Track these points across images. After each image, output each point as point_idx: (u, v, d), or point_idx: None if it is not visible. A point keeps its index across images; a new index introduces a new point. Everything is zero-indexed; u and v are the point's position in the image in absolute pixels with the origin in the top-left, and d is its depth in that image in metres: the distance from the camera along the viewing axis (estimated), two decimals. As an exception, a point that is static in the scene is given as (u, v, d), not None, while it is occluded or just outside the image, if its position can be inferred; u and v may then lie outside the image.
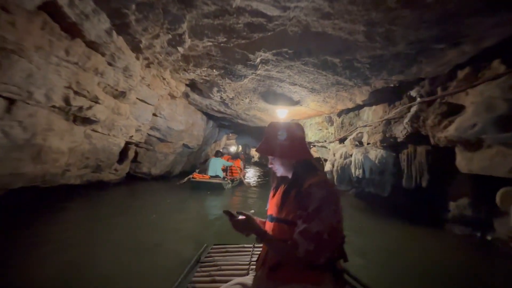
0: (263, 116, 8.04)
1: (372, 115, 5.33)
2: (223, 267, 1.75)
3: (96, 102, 4.66)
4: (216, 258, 1.91)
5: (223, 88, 6.22)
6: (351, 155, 5.37)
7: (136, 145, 8.09)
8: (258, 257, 1.18)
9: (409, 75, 3.79)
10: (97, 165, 5.95)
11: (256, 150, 1.18)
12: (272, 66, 4.43)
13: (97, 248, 3.10)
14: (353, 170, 5.19)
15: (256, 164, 24.74)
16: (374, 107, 5.34)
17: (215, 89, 6.44)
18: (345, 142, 5.75)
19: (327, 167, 5.75)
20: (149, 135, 7.99)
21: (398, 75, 3.87)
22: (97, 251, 3.02)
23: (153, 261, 2.79)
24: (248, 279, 1.13)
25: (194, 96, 7.60)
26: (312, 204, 0.94)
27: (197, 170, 9.20)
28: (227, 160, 9.50)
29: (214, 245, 2.20)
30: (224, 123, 11.62)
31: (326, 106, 5.93)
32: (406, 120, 4.27)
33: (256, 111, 7.70)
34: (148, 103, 6.34)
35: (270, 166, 1.17)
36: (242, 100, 6.80)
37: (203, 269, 1.74)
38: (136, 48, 4.17)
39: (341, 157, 5.50)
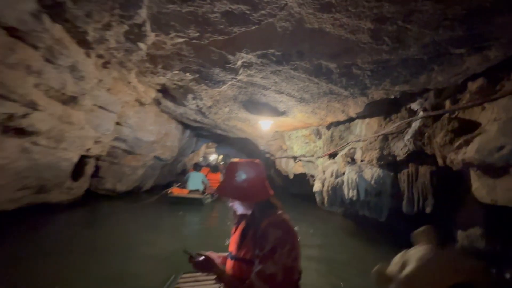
0: (245, 127, 7.33)
1: (366, 129, 4.80)
2: None
3: (34, 109, 3.69)
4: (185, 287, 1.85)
5: (199, 95, 5.44)
6: (343, 174, 4.77)
7: (97, 158, 7.01)
8: None
9: (415, 85, 3.27)
10: (41, 185, 4.86)
11: (216, 192, 1.26)
12: (256, 71, 3.75)
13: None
14: (346, 191, 4.58)
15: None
16: (367, 120, 4.82)
17: (190, 96, 5.64)
18: (335, 158, 5.17)
19: (317, 186, 5.12)
20: (113, 147, 6.96)
21: (402, 85, 3.33)
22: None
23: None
24: None
25: (167, 103, 6.73)
26: (268, 244, 0.96)
27: (175, 184, 8.80)
28: (207, 173, 9.21)
29: (184, 273, 2.10)
30: (202, 132, 10.76)
31: (314, 117, 5.34)
32: (407, 136, 3.74)
33: (237, 122, 6.97)
34: (109, 110, 5.40)
35: (230, 205, 1.18)
36: (221, 109, 6.05)
37: None
38: (83, 42, 3.32)
39: (332, 175, 4.89)
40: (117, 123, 6.16)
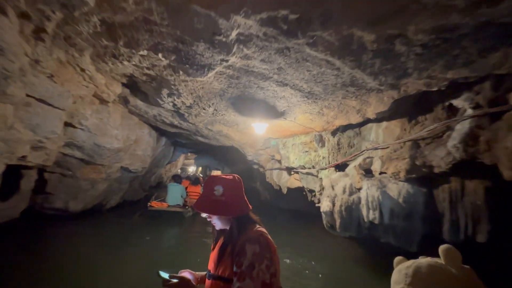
0: (231, 132, 6.23)
1: (384, 134, 3.91)
2: None
3: None
4: None
5: (177, 91, 4.30)
6: (359, 190, 3.80)
7: (43, 169, 5.53)
8: None
9: (478, 70, 2.41)
10: None
11: (193, 206, 1.14)
12: (256, 50, 2.73)
13: None
14: (364, 212, 3.60)
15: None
16: (385, 123, 3.94)
17: (165, 91, 4.48)
18: (347, 170, 4.21)
19: (325, 205, 4.09)
20: (64, 155, 5.52)
21: (459, 70, 2.46)
22: None
23: None
24: None
25: (136, 102, 5.49)
26: (245, 261, 0.94)
27: (153, 198, 8.22)
28: (187, 185, 8.72)
29: None
30: (180, 140, 9.47)
31: (319, 120, 4.40)
32: (453, 141, 2.86)
33: (222, 126, 5.87)
34: (53, 106, 4.08)
35: (208, 220, 1.14)
36: (204, 109, 4.93)
37: None
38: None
39: (344, 191, 3.90)
40: (68, 124, 4.79)
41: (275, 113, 4.26)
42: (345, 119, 4.10)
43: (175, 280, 1.02)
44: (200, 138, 7.57)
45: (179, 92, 4.36)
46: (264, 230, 1.07)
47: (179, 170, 26.93)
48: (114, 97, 5.15)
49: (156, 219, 7.09)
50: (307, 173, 5.54)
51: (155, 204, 7.38)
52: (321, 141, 4.97)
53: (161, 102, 5.07)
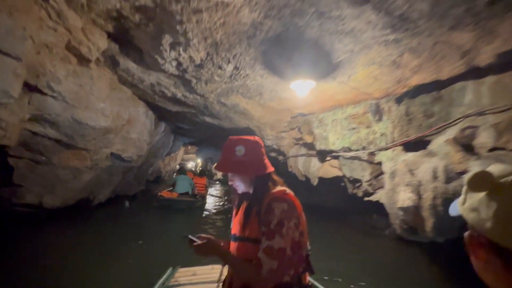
0: (251, 107, 4.94)
1: (491, 92, 2.65)
2: None
3: None
4: (182, 282, 1.79)
5: (184, 35, 2.99)
6: (460, 173, 2.53)
7: (5, 152, 4.24)
8: (225, 279, 1.12)
9: None
10: None
11: (215, 168, 1.16)
12: None
13: None
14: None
15: (219, 182, 21.11)
16: (491, 78, 2.68)
17: (166, 40, 3.17)
18: (431, 148, 2.93)
19: (405, 198, 2.83)
20: (33, 133, 4.21)
21: None
22: None
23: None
24: None
25: (128, 64, 4.17)
26: (274, 219, 0.92)
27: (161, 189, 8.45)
28: (193, 177, 8.66)
29: (181, 267, 2.06)
30: (182, 126, 8.14)
31: (386, 78, 3.13)
32: None
33: (240, 98, 4.58)
34: (-1, 50, 2.73)
35: (230, 183, 1.11)
36: (220, 67, 3.63)
37: None
38: None
39: (435, 178, 2.63)
40: (32, 88, 3.46)
41: (325, 66, 2.96)
42: (432, 72, 2.81)
43: (201, 241, 1.03)
44: (207, 119, 6.24)
45: (188, 38, 3.04)
46: (289, 190, 1.03)
47: (177, 166, 25.74)
48: (97, 54, 3.82)
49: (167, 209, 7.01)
50: (352, 157, 4.27)
51: (165, 194, 7.41)
52: (377, 112, 3.70)
53: (161, 62, 3.76)
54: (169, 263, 2.20)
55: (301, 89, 3.28)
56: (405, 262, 3.76)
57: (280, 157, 6.85)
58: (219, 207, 8.99)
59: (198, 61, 3.53)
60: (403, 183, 3.01)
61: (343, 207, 5.94)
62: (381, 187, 3.94)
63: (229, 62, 3.38)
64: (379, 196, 3.93)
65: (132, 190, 8.81)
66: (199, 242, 1.01)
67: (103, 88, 4.49)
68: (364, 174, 4.07)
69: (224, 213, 7.68)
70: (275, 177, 1.10)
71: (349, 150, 4.37)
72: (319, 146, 5.10)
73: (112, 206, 7.09)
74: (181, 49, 3.34)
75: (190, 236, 1.04)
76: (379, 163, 3.83)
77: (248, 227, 1.01)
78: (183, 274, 1.95)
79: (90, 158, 5.32)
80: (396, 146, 3.42)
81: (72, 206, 5.68)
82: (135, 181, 8.96)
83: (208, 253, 1.01)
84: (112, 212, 6.78)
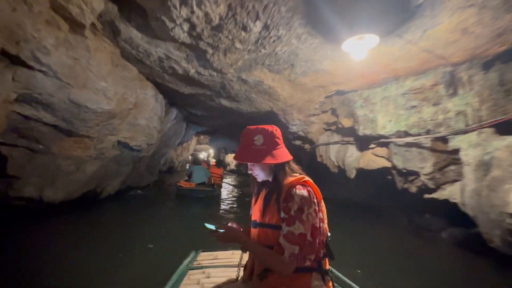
0: (278, 84, 4.14)
1: None
2: (211, 274, 1.70)
3: None
4: (204, 264, 1.86)
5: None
6: None
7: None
8: (246, 264, 1.17)
9: None
10: None
11: (234, 158, 1.16)
12: None
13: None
14: None
15: (233, 172, 20.58)
16: None
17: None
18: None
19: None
20: (25, 117, 3.63)
21: None
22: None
23: (139, 270, 2.73)
24: (238, 286, 1.12)
25: (131, 32, 3.45)
26: (294, 205, 0.95)
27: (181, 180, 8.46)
28: (208, 168, 8.80)
29: (202, 251, 2.12)
30: (195, 112, 7.44)
31: (485, 28, 2.28)
32: None
33: (266, 72, 3.80)
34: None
35: (250, 172, 1.14)
36: (244, 28, 2.84)
37: (191, 276, 1.68)
38: None
39: None
40: (14, 59, 2.81)
41: (395, 15, 2.10)
42: None
43: (221, 230, 1.05)
44: (224, 102, 5.49)
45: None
46: (307, 177, 1.05)
47: (190, 157, 25.44)
48: (92, 17, 3.11)
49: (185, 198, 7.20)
50: (409, 144, 3.41)
51: (183, 184, 7.59)
52: (452, 84, 2.81)
53: (169, 25, 3.00)
54: (190, 248, 2.20)
55: (357, 50, 2.45)
56: (473, 275, 2.96)
57: (306, 146, 6.05)
58: (235, 196, 8.95)
59: (216, 21, 2.75)
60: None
61: (376, 202, 5.12)
62: (448, 182, 3.12)
63: (257, 18, 2.57)
64: (450, 193, 3.11)
65: (144, 181, 8.31)
66: (220, 231, 1.04)
67: (104, 63, 3.80)
68: (424, 165, 3.25)
69: (240, 202, 7.80)
70: (294, 165, 1.10)
71: (406, 135, 3.52)
72: (363, 130, 4.24)
73: (123, 198, 6.58)
74: (194, 4, 2.56)
75: (209, 226, 1.06)
76: (453, 151, 2.97)
77: (268, 214, 1.03)
78: (205, 258, 2.00)
79: (94, 147, 4.73)
80: (486, 126, 2.54)
81: (78, 200, 5.16)
82: (147, 172, 8.44)
83: (230, 240, 1.04)
84: (123, 204, 6.27)
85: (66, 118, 3.89)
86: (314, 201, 0.97)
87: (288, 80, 3.84)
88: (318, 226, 0.96)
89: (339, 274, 1.55)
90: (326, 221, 1.04)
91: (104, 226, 4.66)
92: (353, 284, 1.45)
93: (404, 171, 3.76)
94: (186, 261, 1.89)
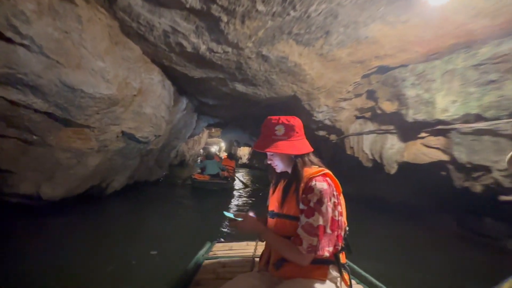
0: (306, 60, 3.46)
1: None
2: (227, 264, 1.72)
3: None
4: (219, 255, 1.88)
5: None
6: None
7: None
8: (262, 254, 1.17)
9: None
10: None
11: (254, 147, 1.14)
12: None
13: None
14: None
15: (245, 166, 20.08)
16: None
17: None
18: None
19: None
20: (12, 103, 3.14)
21: None
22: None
23: (155, 260, 2.76)
24: (253, 276, 1.10)
25: (130, -2, 2.84)
26: (313, 197, 0.94)
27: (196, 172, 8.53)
28: (219, 161, 8.85)
29: (217, 242, 2.16)
30: (206, 101, 6.87)
31: None
32: None
33: (292, 44, 3.15)
34: None
35: (269, 162, 1.13)
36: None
37: (207, 266, 1.70)
38: None
39: None
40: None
41: None
42: None
43: (240, 219, 1.06)
44: (239, 87, 4.85)
45: None
46: (328, 170, 1.04)
47: (201, 150, 25.17)
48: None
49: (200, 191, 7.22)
50: (479, 132, 2.68)
51: (198, 176, 7.59)
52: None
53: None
54: (205, 239, 2.20)
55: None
56: None
57: (332, 137, 5.33)
58: (248, 190, 8.86)
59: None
60: None
61: (416, 203, 4.39)
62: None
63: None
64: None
65: (154, 176, 7.88)
66: (239, 219, 1.05)
67: (100, 39, 3.25)
68: (499, 158, 2.53)
69: (254, 195, 7.80)
70: (314, 157, 1.09)
71: (477, 119, 2.78)
72: (413, 116, 3.47)
73: (131, 194, 6.15)
74: None
75: (226, 214, 1.07)
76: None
77: (286, 205, 1.03)
78: (221, 248, 2.02)
79: (95, 138, 4.24)
80: None
81: (81, 196, 4.73)
82: (156, 166, 8.00)
83: (249, 229, 1.04)
84: (131, 200, 5.84)
85: (60, 104, 3.38)
86: (334, 194, 0.97)
87: (319, 54, 3.17)
88: (337, 219, 0.96)
89: (357, 268, 1.54)
90: (345, 214, 1.05)
91: (112, 223, 4.24)
92: (371, 278, 1.43)
93: (468, 165, 3.02)
94: (201, 252, 1.91)
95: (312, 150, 1.09)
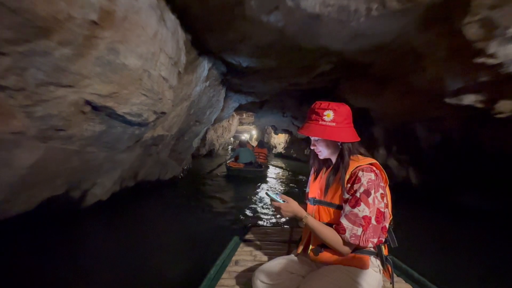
0: None
1: None
2: (263, 247, 1.75)
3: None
4: (256, 238, 1.92)
5: None
6: None
7: None
8: (301, 238, 1.18)
9: None
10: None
11: (299, 131, 1.12)
12: None
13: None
14: None
15: (281, 156, 17.67)
16: None
17: None
18: None
19: None
20: None
21: None
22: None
23: (195, 241, 2.85)
24: (290, 258, 1.13)
25: None
26: (360, 187, 0.92)
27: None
28: (252, 149, 8.91)
29: (253, 226, 2.20)
30: (237, 62, 4.54)
31: None
32: None
33: None
34: None
35: (312, 147, 1.11)
36: None
37: (244, 248, 1.74)
38: None
39: None
40: None
41: None
42: None
43: (282, 201, 1.05)
44: (289, 27, 2.40)
45: None
46: (376, 161, 1.01)
47: (232, 139, 23.33)
48: None
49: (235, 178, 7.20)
50: None
51: (232, 164, 7.58)
52: None
53: None
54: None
55: None
56: None
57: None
58: (283, 178, 8.67)
59: None
60: None
61: None
62: None
63: None
64: None
65: (169, 172, 5.85)
66: (280, 201, 1.05)
67: None
68: None
69: (290, 183, 7.75)
70: (360, 147, 1.07)
71: None
72: None
73: (127, 202, 4.15)
74: None
75: (270, 194, 1.06)
76: None
77: (330, 193, 1.02)
78: (256, 232, 2.06)
79: (25, 113, 2.15)
80: None
81: (31, 216, 2.76)
82: (173, 159, 5.97)
83: (290, 212, 1.03)
84: (125, 213, 3.82)
85: None
86: (381, 185, 0.95)
87: None
88: (383, 211, 0.94)
89: (400, 262, 1.51)
90: (390, 206, 1.03)
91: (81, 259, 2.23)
92: (412, 271, 1.43)
93: None
94: (239, 234, 1.95)
95: (359, 139, 1.04)
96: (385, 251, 1.03)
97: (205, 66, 4.87)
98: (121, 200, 3.90)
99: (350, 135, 1.01)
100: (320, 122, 1.02)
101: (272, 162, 12.36)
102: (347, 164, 0.99)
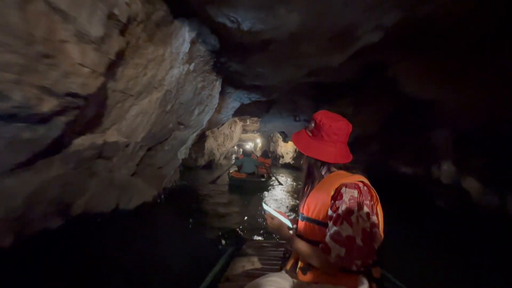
0: None
1: None
2: (256, 262, 1.72)
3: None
4: (250, 252, 1.88)
5: None
6: None
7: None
8: (291, 255, 1.12)
9: None
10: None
11: (292, 138, 1.10)
12: None
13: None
14: None
15: (289, 167, 15.77)
16: None
17: None
18: None
19: None
20: None
21: None
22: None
23: (186, 254, 2.64)
24: (281, 276, 1.06)
25: None
26: (342, 205, 0.86)
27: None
28: (256, 158, 8.53)
29: (248, 240, 2.13)
30: (236, 26, 2.80)
31: None
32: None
33: None
34: None
35: (302, 162, 1.09)
36: None
37: (237, 262, 1.70)
38: None
39: None
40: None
41: None
42: None
43: (276, 215, 1.05)
44: None
45: None
46: (364, 178, 0.94)
47: (235, 147, 21.61)
48: None
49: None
50: None
51: (235, 174, 7.44)
52: None
53: None
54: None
55: None
56: None
57: None
58: (286, 190, 7.87)
59: None
60: None
61: None
62: None
63: None
64: None
65: (136, 198, 4.01)
66: (274, 215, 1.04)
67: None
68: None
69: (291, 194, 6.94)
70: (352, 167, 1.00)
71: None
72: None
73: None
74: None
75: (265, 206, 1.07)
76: None
77: (316, 209, 0.97)
78: (251, 245, 2.02)
79: None
80: None
81: None
82: (142, 179, 4.20)
83: (274, 229, 1.03)
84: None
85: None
86: (366, 203, 0.86)
87: None
88: (369, 231, 0.84)
89: (391, 277, 1.45)
90: (381, 226, 0.91)
91: None
92: None
93: None
94: (232, 248, 1.92)
95: (347, 161, 0.97)
96: (376, 274, 0.90)
97: (185, 36, 3.17)
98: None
99: (321, 151, 0.96)
100: (306, 130, 1.02)
101: (278, 176, 10.62)
102: (333, 180, 0.93)
